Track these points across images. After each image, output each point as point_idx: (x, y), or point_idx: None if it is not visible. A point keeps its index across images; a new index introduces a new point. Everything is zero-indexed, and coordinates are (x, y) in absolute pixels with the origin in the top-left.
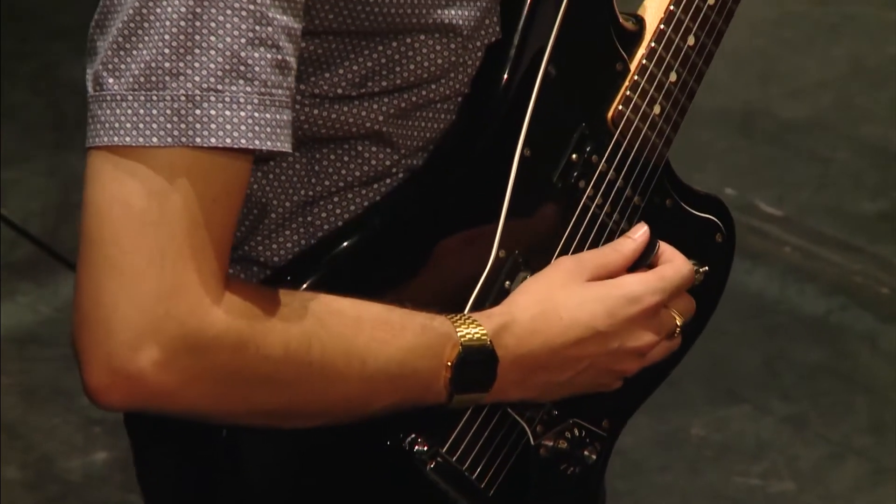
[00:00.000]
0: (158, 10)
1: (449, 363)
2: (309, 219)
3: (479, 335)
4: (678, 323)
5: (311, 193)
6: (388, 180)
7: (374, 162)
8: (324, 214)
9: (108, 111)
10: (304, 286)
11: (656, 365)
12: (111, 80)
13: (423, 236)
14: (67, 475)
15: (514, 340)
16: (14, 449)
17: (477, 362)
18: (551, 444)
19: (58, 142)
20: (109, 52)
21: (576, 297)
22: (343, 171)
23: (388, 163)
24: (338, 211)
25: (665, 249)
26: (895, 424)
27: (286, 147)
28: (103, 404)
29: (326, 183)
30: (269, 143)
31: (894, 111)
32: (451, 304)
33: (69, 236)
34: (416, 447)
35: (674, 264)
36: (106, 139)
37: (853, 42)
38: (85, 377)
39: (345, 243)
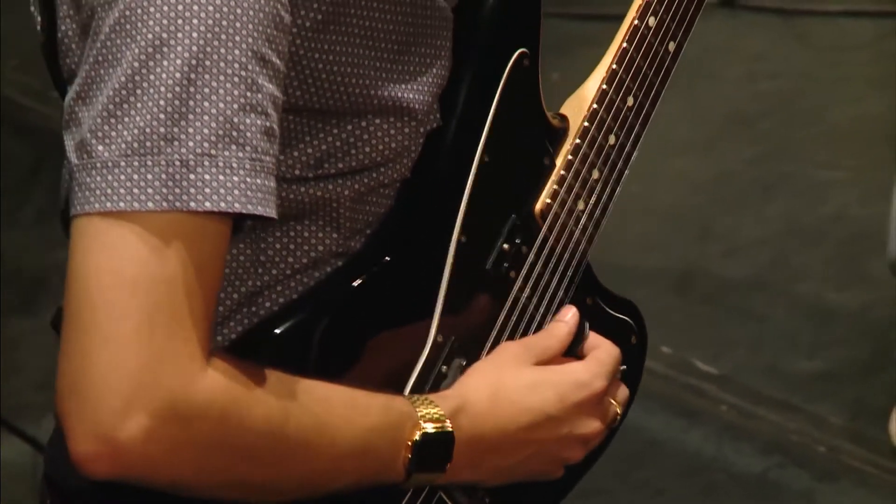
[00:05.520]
0: (152, 77)
1: (409, 442)
2: (254, 309)
3: (437, 415)
4: (618, 411)
5: (257, 284)
6: (329, 266)
7: (320, 247)
8: (268, 304)
9: (99, 178)
10: None
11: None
12: (101, 148)
13: (362, 320)
14: None
15: (469, 422)
16: None
17: (436, 442)
18: None
19: None
20: (99, 121)
21: (526, 381)
22: (290, 259)
23: (333, 247)
24: (281, 300)
25: (589, 336)
26: None
27: (274, 213)
28: (89, 473)
29: (274, 272)
30: (260, 207)
31: (829, 270)
32: (389, 388)
33: (8, 395)
34: None
35: (604, 348)
36: (98, 205)
37: (788, 201)
38: (71, 445)
39: (287, 326)
